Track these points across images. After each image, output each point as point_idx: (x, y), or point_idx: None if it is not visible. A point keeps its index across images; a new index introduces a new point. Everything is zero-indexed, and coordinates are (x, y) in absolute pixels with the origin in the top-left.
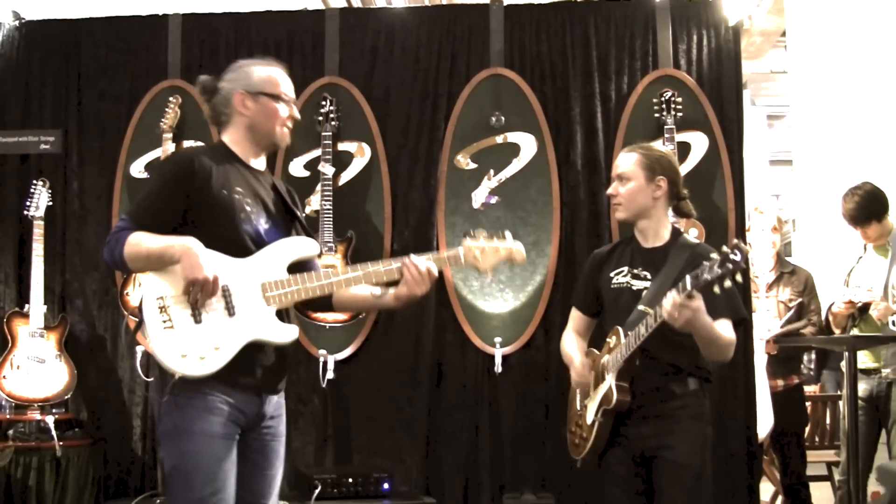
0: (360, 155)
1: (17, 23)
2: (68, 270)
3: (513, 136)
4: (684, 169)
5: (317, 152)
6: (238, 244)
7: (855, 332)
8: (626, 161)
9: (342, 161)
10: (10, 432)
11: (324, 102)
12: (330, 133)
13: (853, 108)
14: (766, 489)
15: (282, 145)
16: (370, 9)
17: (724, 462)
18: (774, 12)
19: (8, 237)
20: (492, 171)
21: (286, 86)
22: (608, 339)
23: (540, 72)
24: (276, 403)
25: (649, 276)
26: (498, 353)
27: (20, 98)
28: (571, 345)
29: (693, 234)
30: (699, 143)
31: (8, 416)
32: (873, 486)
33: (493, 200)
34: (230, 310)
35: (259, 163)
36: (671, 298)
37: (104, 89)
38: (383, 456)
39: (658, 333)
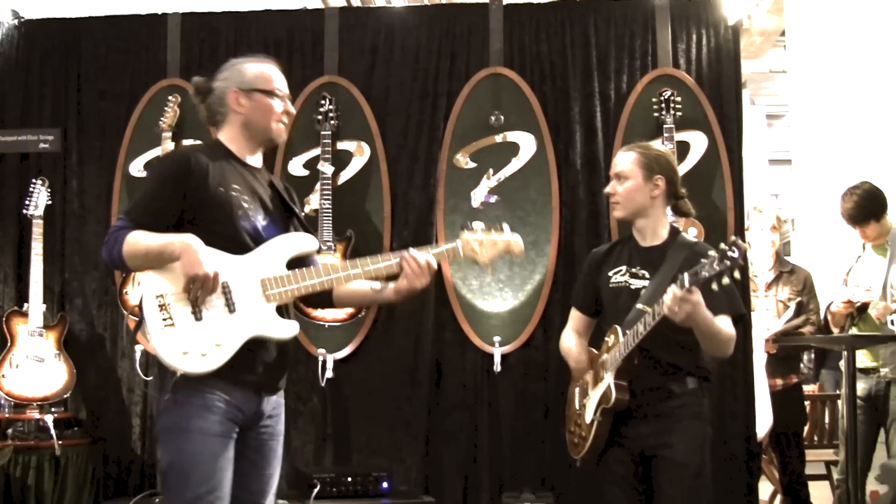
0: (360, 154)
1: (16, 22)
2: (67, 269)
3: (512, 136)
4: (683, 168)
5: (316, 151)
6: (236, 241)
7: (854, 331)
8: (624, 160)
9: (341, 160)
10: (10, 431)
11: (323, 101)
12: (329, 132)
13: (852, 108)
14: (765, 488)
15: (278, 141)
16: (370, 8)
17: (724, 461)
18: (774, 12)
19: (7, 236)
20: (491, 171)
21: (279, 81)
22: (606, 338)
23: (539, 71)
24: (275, 402)
25: (647, 275)
26: (497, 352)
27: (19, 97)
28: (570, 340)
29: (692, 234)
30: (698, 142)
31: (7, 415)
32: (872, 485)
33: (493, 199)
34: (230, 306)
35: (255, 160)
36: (671, 293)
37: (104, 88)
38: (382, 455)
39: (657, 333)
